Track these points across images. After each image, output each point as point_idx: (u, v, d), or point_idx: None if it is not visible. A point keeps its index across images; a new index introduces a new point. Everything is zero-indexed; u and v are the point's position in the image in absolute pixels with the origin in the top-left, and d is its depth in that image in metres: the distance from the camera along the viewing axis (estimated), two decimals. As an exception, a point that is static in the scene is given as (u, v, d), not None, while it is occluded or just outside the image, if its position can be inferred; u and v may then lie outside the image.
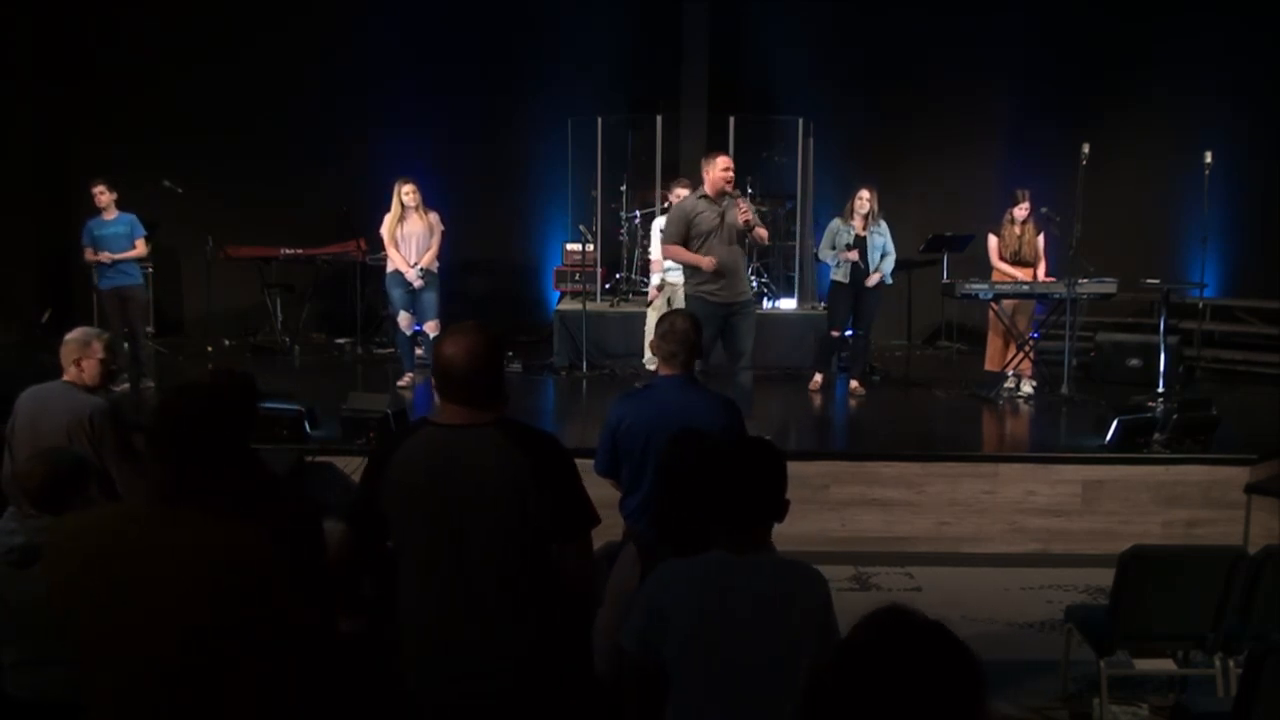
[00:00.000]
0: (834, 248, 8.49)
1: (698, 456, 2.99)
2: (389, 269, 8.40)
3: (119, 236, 8.46)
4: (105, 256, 8.35)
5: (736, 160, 10.00)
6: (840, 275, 8.49)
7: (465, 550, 2.70)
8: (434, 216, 8.40)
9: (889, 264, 8.57)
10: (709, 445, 3.12)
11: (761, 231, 6.93)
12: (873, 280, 8.49)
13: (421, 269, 8.28)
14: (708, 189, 6.74)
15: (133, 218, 8.58)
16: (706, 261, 6.59)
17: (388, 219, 8.34)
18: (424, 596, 2.76)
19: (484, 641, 2.72)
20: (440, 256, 8.49)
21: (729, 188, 6.74)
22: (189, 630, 2.14)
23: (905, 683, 1.48)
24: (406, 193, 8.27)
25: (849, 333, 8.75)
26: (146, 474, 2.28)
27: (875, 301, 8.58)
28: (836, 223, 8.58)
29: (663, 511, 3.12)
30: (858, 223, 8.45)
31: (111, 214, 8.50)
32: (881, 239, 8.49)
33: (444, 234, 8.45)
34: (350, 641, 3.15)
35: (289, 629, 2.26)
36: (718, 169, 6.72)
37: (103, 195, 8.47)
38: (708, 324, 6.63)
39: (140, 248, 8.58)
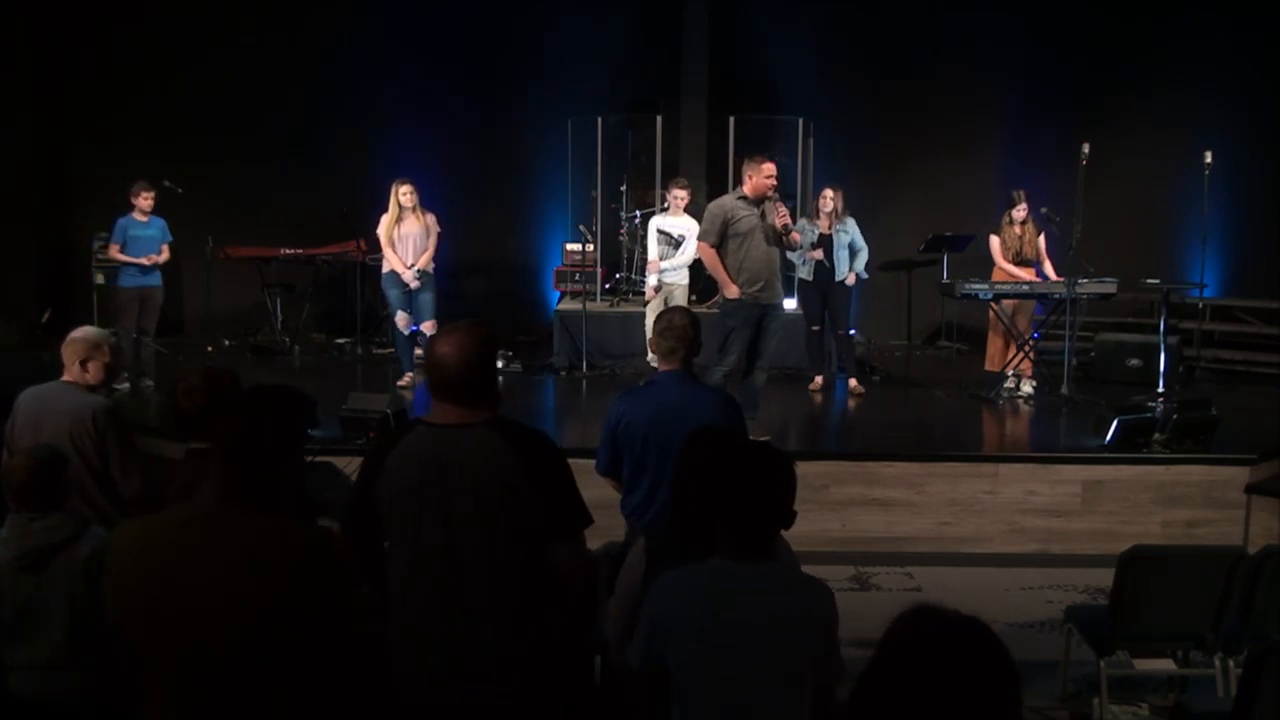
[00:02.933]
0: (799, 247, 8.54)
1: (715, 453, 2.96)
2: (385, 270, 8.40)
3: (152, 239, 8.52)
4: (149, 259, 8.40)
5: (737, 160, 10.09)
6: (805, 273, 8.65)
7: (458, 550, 2.70)
8: (431, 217, 8.40)
9: (861, 259, 8.66)
10: (726, 443, 3.09)
11: (796, 235, 7.09)
12: (850, 281, 8.56)
13: (418, 270, 8.28)
14: (748, 191, 6.77)
15: (164, 223, 8.65)
16: (733, 290, 6.67)
17: (384, 219, 8.34)
18: (417, 596, 2.75)
19: (477, 642, 2.71)
20: (437, 257, 8.49)
21: (771, 193, 6.77)
22: (256, 629, 2.14)
23: (949, 680, 1.48)
24: (404, 194, 8.27)
25: (849, 332, 8.78)
26: (212, 475, 2.27)
27: (846, 298, 8.65)
28: (803, 222, 8.68)
29: (681, 509, 3.08)
30: (823, 221, 8.54)
31: (147, 217, 8.54)
32: (848, 236, 8.57)
33: (441, 235, 8.45)
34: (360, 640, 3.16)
35: (349, 629, 2.26)
36: (763, 174, 6.75)
37: (148, 200, 8.51)
38: (747, 325, 6.71)
39: (166, 253, 8.62)
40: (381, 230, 8.36)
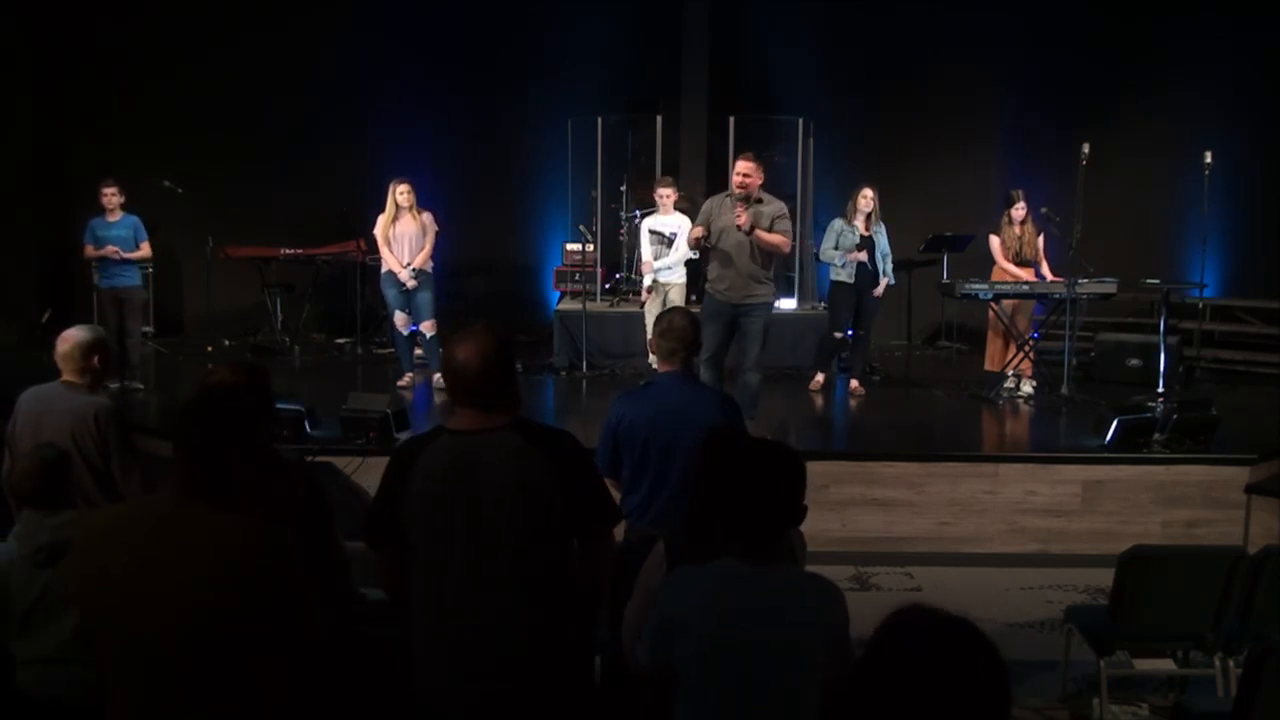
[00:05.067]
0: (837, 248, 8.47)
1: (729, 456, 2.95)
2: (383, 269, 8.39)
3: (122, 239, 8.47)
4: (113, 251, 8.34)
5: (737, 160, 10.07)
6: (844, 276, 8.46)
7: (487, 554, 2.70)
8: (427, 216, 8.37)
9: (889, 265, 8.59)
10: (734, 443, 3.08)
11: (768, 238, 6.73)
12: (880, 289, 8.51)
13: (414, 269, 8.25)
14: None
15: (136, 220, 8.59)
16: (696, 231, 6.90)
17: (381, 219, 8.33)
18: (445, 601, 2.75)
19: (504, 644, 2.72)
20: (437, 256, 8.45)
21: (738, 190, 6.77)
22: (211, 626, 2.15)
23: (937, 679, 1.48)
24: (401, 192, 8.26)
25: (849, 333, 8.75)
26: (172, 471, 2.29)
27: (877, 301, 8.61)
28: (839, 223, 8.54)
29: (694, 510, 3.08)
30: (861, 222, 8.43)
31: (116, 215, 8.50)
32: (883, 239, 8.50)
33: (438, 234, 8.41)
34: (363, 642, 3.16)
35: (303, 624, 2.26)
36: (733, 170, 6.84)
37: (113, 197, 8.48)
38: (713, 320, 6.71)
39: (145, 249, 8.60)
40: (378, 229, 8.34)
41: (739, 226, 6.68)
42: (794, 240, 10.46)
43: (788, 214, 6.96)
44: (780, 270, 10.77)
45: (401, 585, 2.85)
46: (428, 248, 8.32)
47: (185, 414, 2.34)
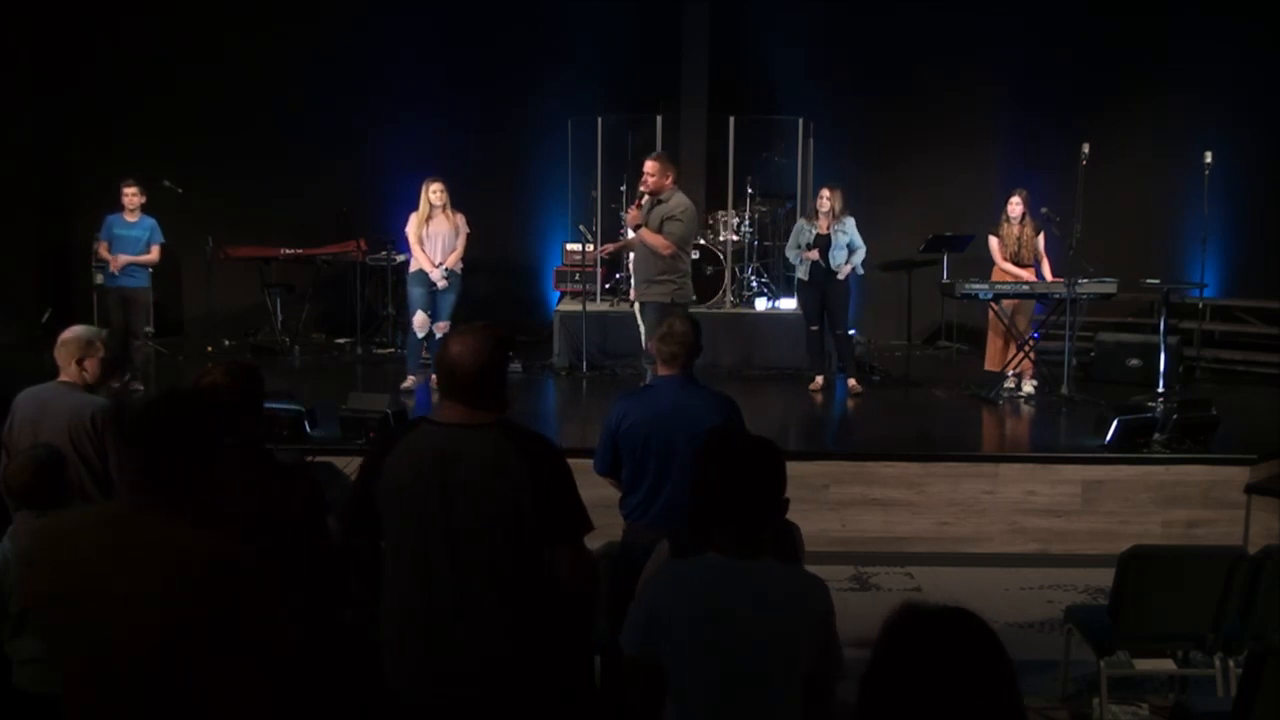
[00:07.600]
0: (798, 247, 8.55)
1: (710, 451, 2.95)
2: (412, 268, 8.37)
3: (136, 240, 8.43)
4: (119, 261, 8.30)
5: (737, 160, 10.12)
6: (802, 273, 8.65)
7: (459, 549, 2.70)
8: (460, 218, 8.36)
9: (858, 257, 8.62)
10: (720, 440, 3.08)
11: (648, 239, 6.78)
12: (843, 273, 8.53)
13: (445, 269, 8.25)
14: None
15: (154, 223, 8.55)
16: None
17: (413, 218, 8.31)
18: (415, 595, 2.75)
19: (475, 642, 2.72)
20: (465, 257, 8.43)
21: (643, 189, 6.96)
22: (162, 633, 2.13)
23: (946, 670, 1.49)
24: (434, 192, 8.26)
25: (847, 332, 8.78)
26: (122, 475, 2.28)
27: (843, 297, 8.62)
28: (801, 222, 8.74)
29: (692, 510, 3.07)
30: (821, 222, 8.53)
31: (135, 216, 8.47)
32: (845, 236, 8.55)
33: (469, 235, 8.41)
34: (336, 638, 3.16)
35: (263, 632, 2.23)
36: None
37: (134, 197, 8.45)
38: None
39: (154, 254, 8.56)
40: (410, 228, 8.32)
41: (630, 225, 6.94)
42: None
43: (681, 215, 6.79)
44: (780, 271, 10.83)
45: (374, 576, 2.86)
46: (459, 248, 8.32)
47: (139, 415, 2.30)
